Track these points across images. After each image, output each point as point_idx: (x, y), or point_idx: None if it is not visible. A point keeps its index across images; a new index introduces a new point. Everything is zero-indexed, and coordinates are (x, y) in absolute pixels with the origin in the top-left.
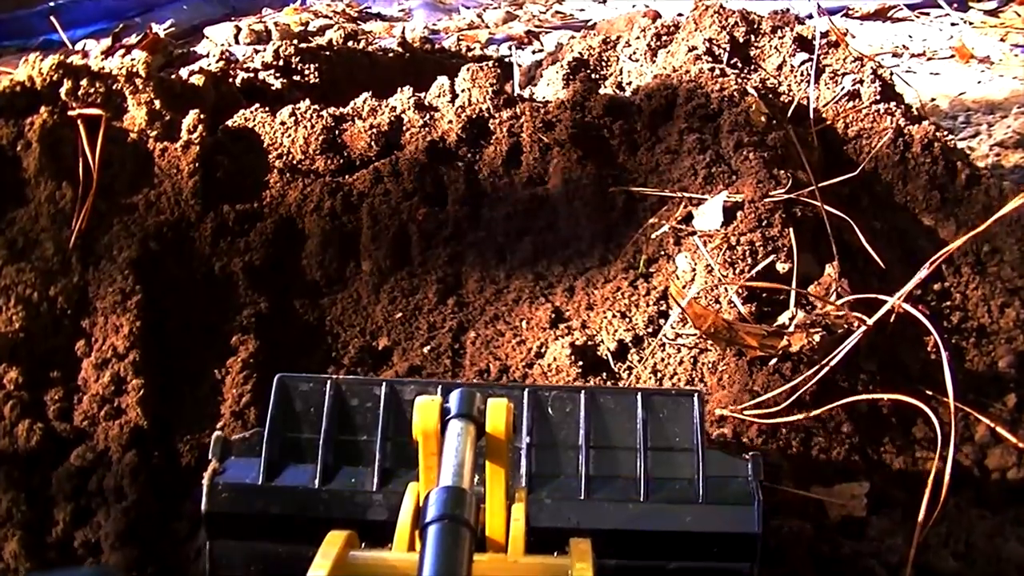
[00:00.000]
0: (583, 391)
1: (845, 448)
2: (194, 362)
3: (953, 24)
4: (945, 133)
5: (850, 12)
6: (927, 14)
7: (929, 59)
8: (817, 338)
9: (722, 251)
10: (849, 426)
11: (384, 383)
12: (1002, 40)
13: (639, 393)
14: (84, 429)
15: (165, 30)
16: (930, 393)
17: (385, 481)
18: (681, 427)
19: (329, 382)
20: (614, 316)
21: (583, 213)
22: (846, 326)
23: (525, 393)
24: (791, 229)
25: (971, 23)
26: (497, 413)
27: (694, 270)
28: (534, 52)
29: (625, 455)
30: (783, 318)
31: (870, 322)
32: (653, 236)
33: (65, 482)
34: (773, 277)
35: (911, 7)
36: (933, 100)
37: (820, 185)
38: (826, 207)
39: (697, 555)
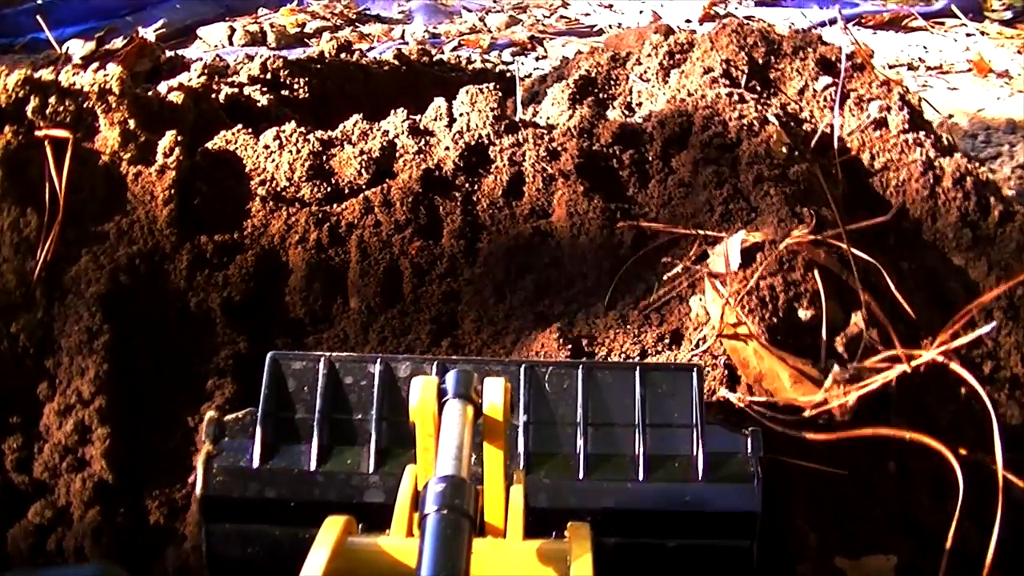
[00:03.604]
0: (580, 366)
1: (875, 511)
2: (166, 408)
3: (968, 35)
4: (977, 165)
5: (863, 21)
6: (942, 23)
7: (945, 72)
8: (854, 396)
9: (740, 296)
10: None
11: (378, 359)
12: (1019, 52)
13: (637, 368)
14: (44, 482)
15: (156, 31)
16: (964, 452)
17: (381, 462)
18: (680, 402)
19: (322, 360)
20: (621, 359)
21: (589, 250)
22: (882, 382)
23: (521, 370)
24: (816, 273)
25: (987, 34)
26: (495, 393)
27: (708, 314)
28: (537, 59)
29: (623, 432)
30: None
31: (899, 364)
32: (665, 276)
33: (21, 541)
34: (795, 325)
35: (925, 16)
36: (951, 117)
37: (849, 228)
38: (854, 251)
39: (697, 533)
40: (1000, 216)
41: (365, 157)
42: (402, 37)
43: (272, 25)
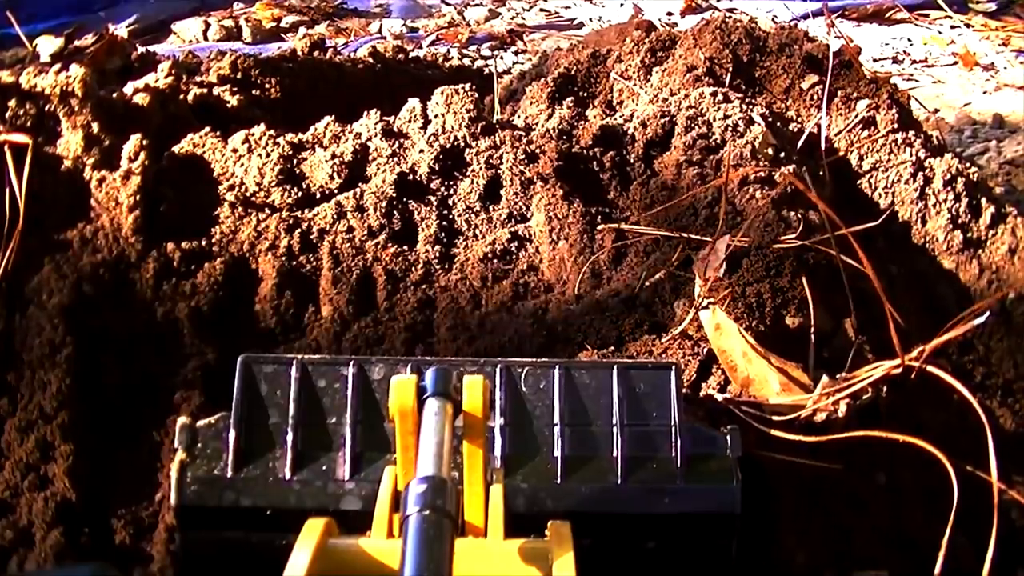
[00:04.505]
0: (557, 366)
1: (865, 525)
2: (132, 423)
3: (953, 27)
4: (968, 166)
5: (847, 13)
6: (926, 15)
7: (931, 66)
8: (844, 407)
9: (726, 302)
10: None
11: (351, 362)
12: (1003, 45)
13: (615, 367)
14: (4, 501)
15: (128, 26)
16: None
17: (357, 468)
18: (658, 402)
19: (294, 363)
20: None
21: (568, 255)
22: (871, 392)
23: (497, 370)
24: (804, 280)
25: (971, 26)
26: (474, 391)
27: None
28: (516, 53)
29: (601, 433)
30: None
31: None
32: (647, 283)
33: None
34: (784, 332)
35: (909, 8)
36: (937, 112)
37: (838, 233)
38: (844, 257)
39: (676, 534)
40: (992, 218)
41: (337, 161)
42: (380, 31)
43: (248, 20)
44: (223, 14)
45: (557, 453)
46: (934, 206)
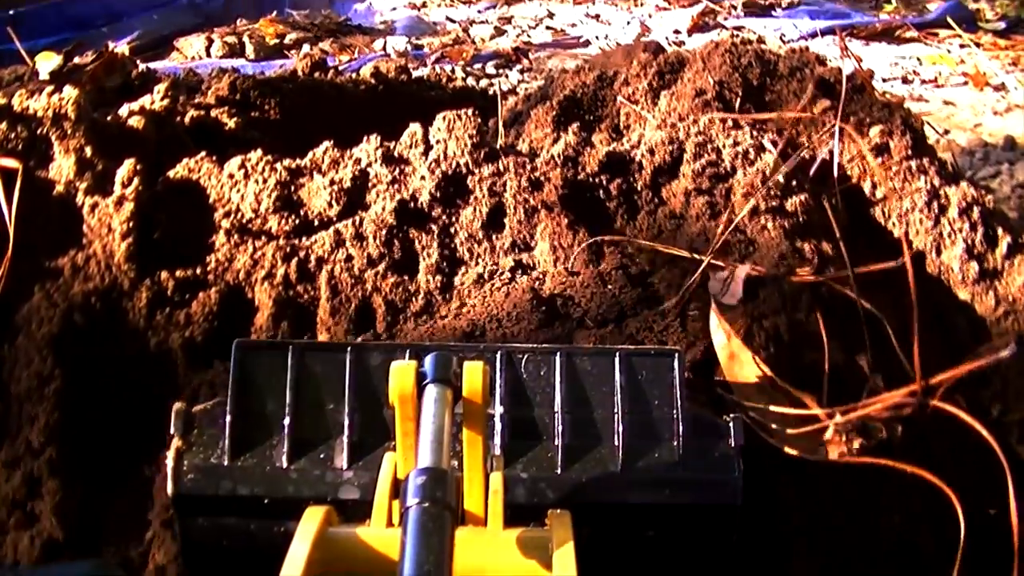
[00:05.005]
0: (559, 352)
1: (878, 557)
2: (122, 459)
3: (963, 46)
4: (984, 193)
5: (855, 32)
6: (935, 34)
7: (940, 86)
8: (856, 445)
9: (741, 331)
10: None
11: (349, 347)
12: (1013, 64)
13: (617, 353)
14: None
15: (131, 42)
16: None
17: (355, 457)
18: (660, 389)
19: (291, 349)
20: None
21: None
22: (885, 432)
23: (498, 355)
24: (820, 316)
25: (980, 45)
26: (474, 376)
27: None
28: (522, 71)
29: (603, 421)
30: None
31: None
32: (657, 309)
33: None
34: (798, 366)
35: (918, 27)
36: (948, 133)
37: (858, 271)
38: (864, 303)
39: (676, 525)
40: (1008, 248)
41: (336, 187)
42: (384, 49)
43: (251, 36)
44: (226, 30)
45: (557, 441)
46: (949, 235)
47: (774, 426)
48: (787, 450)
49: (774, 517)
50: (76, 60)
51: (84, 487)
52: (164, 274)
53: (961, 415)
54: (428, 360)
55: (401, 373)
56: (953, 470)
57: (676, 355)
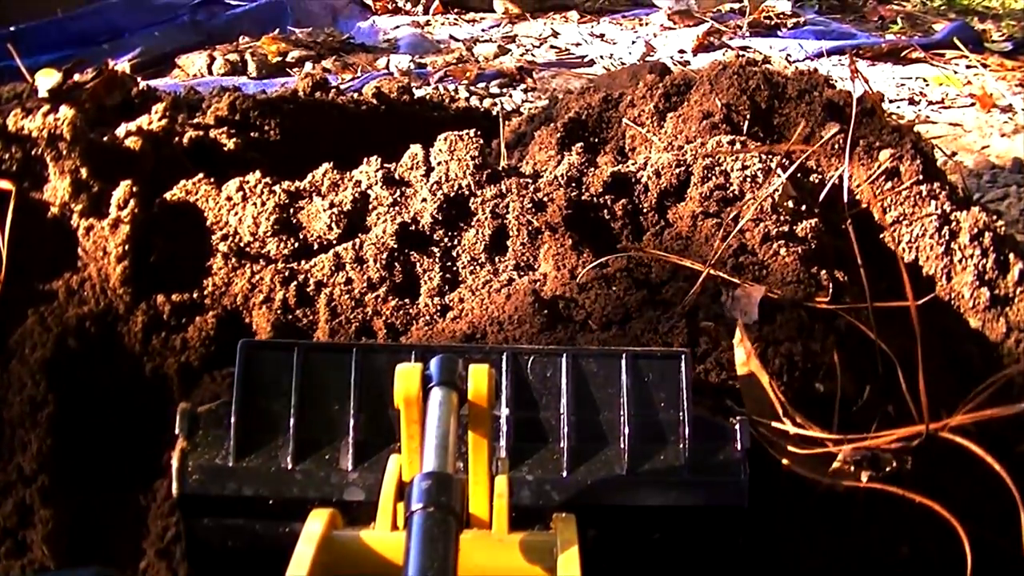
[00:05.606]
0: (564, 354)
1: None
2: (116, 487)
3: (969, 67)
4: (994, 218)
5: (861, 52)
6: (942, 55)
7: (948, 107)
8: (865, 477)
9: (758, 352)
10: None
11: (355, 348)
12: (1020, 85)
13: (624, 355)
14: None
15: (133, 59)
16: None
17: (361, 458)
18: (667, 391)
19: (296, 349)
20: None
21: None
22: (895, 463)
23: (504, 357)
24: (834, 345)
25: (987, 66)
26: (479, 380)
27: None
28: (526, 91)
29: (609, 423)
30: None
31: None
32: (667, 329)
33: None
34: (810, 395)
35: (925, 47)
36: (955, 155)
37: (876, 305)
38: (881, 344)
39: (682, 527)
40: (1020, 274)
41: (336, 210)
42: (387, 67)
43: (253, 54)
44: (228, 48)
45: (563, 444)
46: (960, 262)
47: (783, 446)
48: (796, 470)
49: (778, 549)
50: (76, 77)
51: (77, 515)
52: (160, 298)
53: (970, 446)
54: (433, 363)
55: (406, 376)
56: (963, 501)
57: (683, 357)
